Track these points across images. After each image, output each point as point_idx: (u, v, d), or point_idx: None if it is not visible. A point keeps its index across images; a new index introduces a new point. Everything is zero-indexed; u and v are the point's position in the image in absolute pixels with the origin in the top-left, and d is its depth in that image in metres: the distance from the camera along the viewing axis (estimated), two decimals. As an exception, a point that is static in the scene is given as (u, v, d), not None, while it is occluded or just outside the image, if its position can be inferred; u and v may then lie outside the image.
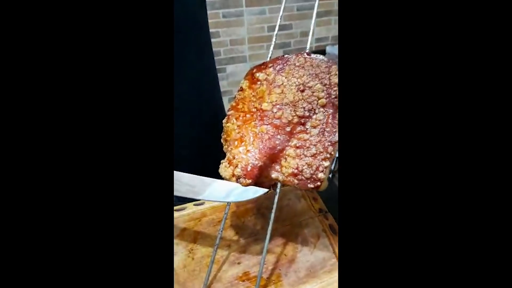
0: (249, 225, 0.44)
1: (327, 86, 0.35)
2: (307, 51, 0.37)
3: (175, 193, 0.35)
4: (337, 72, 0.35)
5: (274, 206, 0.36)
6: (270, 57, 0.39)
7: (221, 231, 0.36)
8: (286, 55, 0.37)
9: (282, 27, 1.87)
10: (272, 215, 0.35)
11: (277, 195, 0.36)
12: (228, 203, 0.37)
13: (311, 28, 0.39)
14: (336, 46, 1.84)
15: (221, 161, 0.37)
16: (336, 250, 0.40)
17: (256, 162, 0.35)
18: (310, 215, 0.45)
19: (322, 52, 1.88)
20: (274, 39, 0.41)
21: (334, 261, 0.39)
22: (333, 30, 1.99)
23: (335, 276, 0.37)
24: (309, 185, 0.34)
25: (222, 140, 0.38)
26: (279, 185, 0.36)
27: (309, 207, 0.47)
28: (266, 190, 0.35)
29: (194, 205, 0.47)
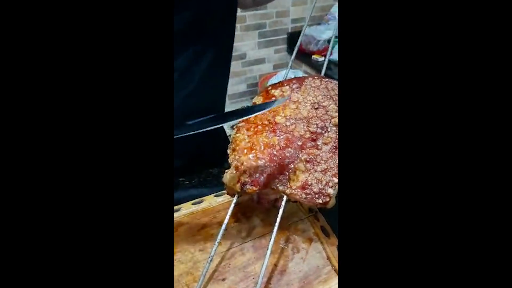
0: (233, 233, 0.39)
1: None
2: (322, 75, 0.40)
3: None
4: None
5: (278, 219, 0.33)
6: (285, 78, 0.42)
7: (215, 249, 0.31)
8: (301, 76, 0.40)
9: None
10: (275, 229, 0.32)
11: (282, 208, 0.34)
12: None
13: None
14: (314, 27, 1.77)
15: (226, 170, 0.35)
16: (330, 255, 0.37)
17: (265, 170, 0.33)
18: (299, 217, 0.41)
19: (299, 34, 1.81)
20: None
21: (329, 269, 0.35)
22: (310, 10, 1.92)
23: (331, 285, 0.34)
24: (317, 200, 0.33)
25: (228, 151, 0.36)
26: (284, 198, 0.34)
27: (298, 207, 0.43)
28: None
29: (170, 211, 0.42)
